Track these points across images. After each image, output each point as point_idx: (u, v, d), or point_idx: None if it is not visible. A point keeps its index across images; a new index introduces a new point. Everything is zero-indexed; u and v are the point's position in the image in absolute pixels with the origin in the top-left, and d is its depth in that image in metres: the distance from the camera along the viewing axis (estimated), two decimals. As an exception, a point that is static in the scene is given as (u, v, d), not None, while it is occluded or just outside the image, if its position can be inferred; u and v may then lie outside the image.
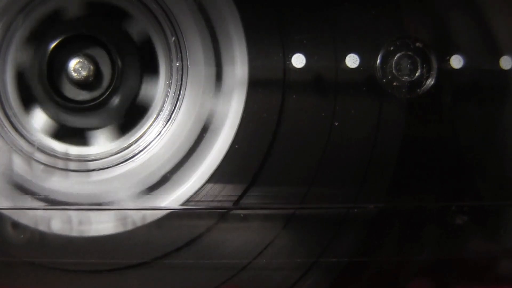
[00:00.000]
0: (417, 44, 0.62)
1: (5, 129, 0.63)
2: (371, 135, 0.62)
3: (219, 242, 0.61)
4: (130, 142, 0.64)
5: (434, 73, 0.62)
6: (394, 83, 0.62)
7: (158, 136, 0.63)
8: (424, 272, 0.63)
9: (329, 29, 0.62)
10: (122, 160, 0.63)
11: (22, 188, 0.61)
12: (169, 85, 0.63)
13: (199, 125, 0.62)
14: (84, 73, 0.63)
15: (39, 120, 0.64)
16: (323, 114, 0.62)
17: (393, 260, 0.63)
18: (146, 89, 0.64)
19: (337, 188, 0.62)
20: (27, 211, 0.61)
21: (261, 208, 0.62)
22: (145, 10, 0.64)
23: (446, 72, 0.62)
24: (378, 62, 0.62)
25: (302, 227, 0.62)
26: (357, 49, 0.62)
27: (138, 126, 0.64)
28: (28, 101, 0.64)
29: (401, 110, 0.62)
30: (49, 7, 0.64)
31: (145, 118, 0.64)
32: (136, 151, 0.63)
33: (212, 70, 0.62)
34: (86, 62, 0.63)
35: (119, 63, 0.64)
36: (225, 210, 0.61)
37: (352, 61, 0.62)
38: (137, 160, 0.63)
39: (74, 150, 0.64)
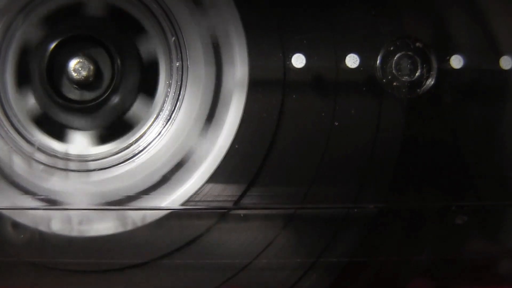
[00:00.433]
0: (417, 44, 0.62)
1: (5, 129, 0.63)
2: (371, 135, 0.62)
3: (219, 242, 0.61)
4: (130, 142, 0.64)
5: (434, 73, 0.62)
6: (394, 83, 0.62)
7: (158, 136, 0.63)
8: (424, 272, 0.63)
9: (329, 29, 0.62)
10: (122, 160, 0.63)
11: (22, 188, 0.61)
12: (169, 85, 0.63)
13: (199, 125, 0.62)
14: (84, 73, 0.63)
15: (39, 120, 0.64)
16: (323, 114, 0.62)
17: (393, 260, 0.63)
18: (146, 89, 0.64)
19: (337, 188, 0.62)
20: (27, 211, 0.61)
21: (261, 208, 0.62)
22: (145, 10, 0.64)
23: (446, 72, 0.62)
24: (378, 62, 0.62)
25: (302, 227, 0.62)
26: (357, 49, 0.62)
27: (138, 126, 0.64)
28: (28, 101, 0.64)
29: (401, 110, 0.62)
30: (49, 6, 0.64)
31: (145, 118, 0.64)
32: (136, 151, 0.63)
33: (212, 70, 0.62)
34: (86, 62, 0.63)
35: (119, 63, 0.64)
36: (225, 210, 0.61)
37: (352, 61, 0.62)
38: (137, 160, 0.63)
39: (74, 150, 0.64)
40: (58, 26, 0.64)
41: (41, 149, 0.63)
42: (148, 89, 0.64)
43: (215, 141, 0.62)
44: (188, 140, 0.62)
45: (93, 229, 0.61)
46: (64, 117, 0.64)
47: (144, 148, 0.63)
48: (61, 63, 0.63)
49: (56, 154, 0.63)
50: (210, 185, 0.62)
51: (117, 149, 0.63)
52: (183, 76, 0.63)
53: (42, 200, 0.61)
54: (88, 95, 0.64)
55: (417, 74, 0.62)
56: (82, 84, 0.64)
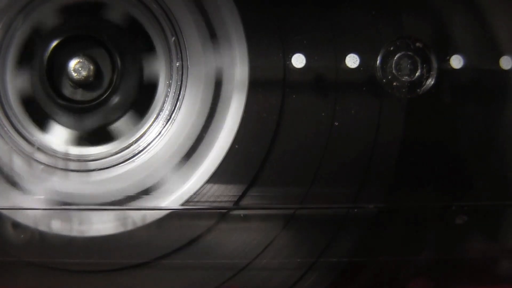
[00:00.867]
0: (417, 44, 0.62)
1: (5, 129, 0.63)
2: (371, 135, 0.62)
3: (219, 242, 0.61)
4: (130, 142, 0.64)
5: (434, 73, 0.62)
6: (394, 83, 0.62)
7: (158, 136, 0.63)
8: (424, 272, 0.63)
9: (329, 29, 0.62)
10: (122, 160, 0.63)
11: (22, 188, 0.61)
12: (169, 85, 0.63)
13: (199, 125, 0.62)
14: (84, 73, 0.63)
15: (39, 120, 0.64)
16: (323, 114, 0.62)
17: (393, 260, 0.63)
18: (146, 89, 0.64)
19: (337, 188, 0.62)
20: (27, 211, 0.61)
21: (261, 208, 0.62)
22: (145, 10, 0.64)
23: (446, 72, 0.62)
24: (378, 62, 0.62)
25: (302, 227, 0.62)
26: (357, 49, 0.62)
27: (138, 126, 0.64)
28: (28, 101, 0.64)
29: (401, 110, 0.62)
30: (49, 6, 0.64)
31: (145, 118, 0.64)
32: (136, 151, 0.63)
33: (212, 70, 0.62)
34: (86, 62, 0.63)
35: (119, 63, 0.64)
36: (225, 210, 0.61)
37: (352, 61, 0.62)
38: (137, 160, 0.63)
39: (74, 150, 0.64)
40: (59, 26, 0.64)
41: (41, 149, 0.63)
42: (148, 89, 0.64)
43: (215, 141, 0.62)
44: (188, 140, 0.62)
45: (93, 229, 0.61)
46: (63, 117, 0.64)
47: (144, 148, 0.63)
48: (61, 63, 0.63)
49: (56, 154, 0.63)
50: (210, 185, 0.62)
51: (117, 149, 0.63)
52: (183, 76, 0.63)
53: (42, 200, 0.61)
54: (88, 95, 0.64)
55: (417, 74, 0.62)
56: (82, 84, 0.64)
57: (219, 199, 0.62)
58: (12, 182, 0.62)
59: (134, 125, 0.64)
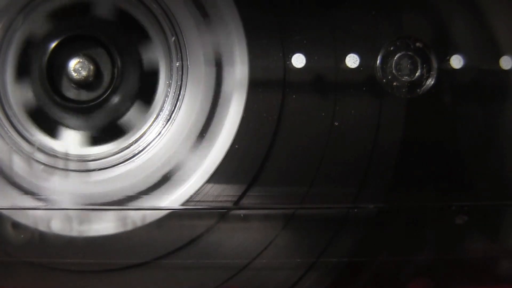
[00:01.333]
0: (417, 44, 0.62)
1: (5, 129, 0.63)
2: (371, 135, 0.62)
3: (219, 242, 0.61)
4: (130, 142, 0.64)
5: (434, 73, 0.62)
6: (394, 83, 0.62)
7: (158, 136, 0.63)
8: (424, 272, 0.63)
9: (329, 29, 0.62)
10: (122, 160, 0.63)
11: (22, 188, 0.61)
12: (169, 85, 0.63)
13: (199, 125, 0.62)
14: (84, 73, 0.63)
15: (39, 120, 0.64)
16: (323, 114, 0.62)
17: (393, 260, 0.63)
18: (146, 89, 0.64)
19: (337, 188, 0.62)
20: (27, 211, 0.61)
21: (261, 208, 0.62)
22: (145, 10, 0.64)
23: (446, 72, 0.62)
24: (378, 62, 0.62)
25: (302, 227, 0.62)
26: (357, 49, 0.62)
27: (138, 126, 0.64)
28: (28, 101, 0.64)
29: (401, 110, 0.62)
30: (49, 7, 0.64)
31: (145, 118, 0.64)
32: (136, 151, 0.63)
33: (212, 70, 0.62)
34: (86, 62, 0.63)
35: (119, 63, 0.64)
36: (225, 210, 0.61)
37: (352, 61, 0.62)
38: (137, 160, 0.63)
39: (74, 150, 0.64)
40: (59, 26, 0.64)
41: (41, 149, 0.63)
42: (148, 89, 0.64)
43: (215, 141, 0.62)
44: (188, 140, 0.62)
45: (93, 229, 0.61)
46: (63, 116, 0.64)
47: (144, 148, 0.63)
48: (61, 63, 0.63)
49: (56, 154, 0.63)
50: (210, 185, 0.62)
51: (117, 149, 0.63)
52: (183, 76, 0.63)
53: (42, 200, 0.61)
54: (87, 95, 0.64)
55: (417, 74, 0.62)
56: (82, 84, 0.64)
57: (219, 199, 0.62)
58: (12, 182, 0.62)
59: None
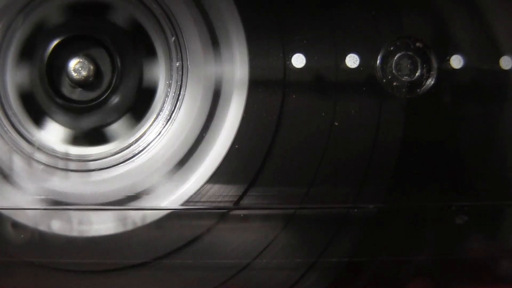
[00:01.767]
0: (417, 44, 0.62)
1: (5, 129, 0.63)
2: (371, 135, 0.62)
3: (219, 242, 0.61)
4: (130, 142, 0.64)
5: (434, 73, 0.62)
6: (394, 83, 0.62)
7: (158, 136, 0.63)
8: (424, 272, 0.63)
9: (329, 29, 0.62)
10: (122, 160, 0.63)
11: (22, 188, 0.61)
12: (169, 85, 0.63)
13: (199, 125, 0.62)
14: (84, 73, 0.63)
15: (39, 120, 0.64)
16: (323, 114, 0.62)
17: (393, 260, 0.63)
18: (146, 89, 0.64)
19: (337, 188, 0.62)
20: (27, 211, 0.61)
21: (261, 208, 0.62)
22: (145, 10, 0.64)
23: (446, 72, 0.62)
24: (378, 62, 0.62)
25: (302, 227, 0.62)
26: (357, 49, 0.62)
27: (138, 126, 0.64)
28: (28, 101, 0.64)
29: (401, 110, 0.62)
30: (49, 6, 0.64)
31: (145, 118, 0.64)
32: (136, 151, 0.63)
33: (212, 70, 0.62)
34: (86, 62, 0.63)
35: (119, 63, 0.64)
36: (225, 210, 0.61)
37: (352, 61, 0.62)
38: (137, 160, 0.63)
39: (74, 150, 0.63)
40: (59, 26, 0.64)
41: (41, 149, 0.63)
42: (148, 89, 0.64)
43: (215, 141, 0.62)
44: (188, 140, 0.62)
45: (93, 229, 0.61)
46: (63, 117, 0.64)
47: (144, 148, 0.63)
48: (61, 63, 0.63)
49: (56, 154, 0.63)
50: (210, 185, 0.62)
51: (117, 149, 0.63)
52: (183, 76, 0.63)
53: (42, 200, 0.61)
54: (88, 95, 0.64)
55: (417, 74, 0.62)
56: (82, 84, 0.64)
57: (219, 199, 0.62)
58: (12, 182, 0.62)
59: (132, 126, 0.64)
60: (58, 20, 0.64)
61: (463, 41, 0.63)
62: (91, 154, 0.63)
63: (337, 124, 0.62)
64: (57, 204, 0.61)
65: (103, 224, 0.61)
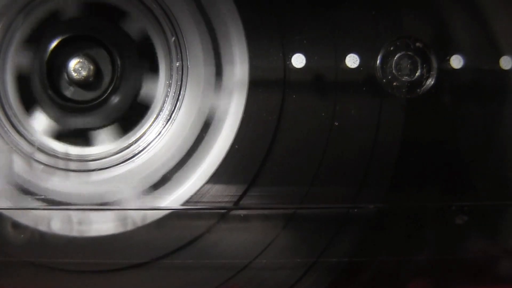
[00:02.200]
0: (417, 44, 0.62)
1: (5, 129, 0.63)
2: (371, 135, 0.62)
3: (220, 242, 0.61)
4: (130, 142, 0.64)
5: (434, 73, 0.62)
6: (394, 83, 0.62)
7: (158, 136, 0.63)
8: (424, 272, 0.63)
9: (329, 29, 0.62)
10: (122, 160, 0.63)
11: (22, 188, 0.61)
12: (169, 85, 0.63)
13: (199, 125, 0.62)
14: (84, 73, 0.63)
15: (39, 120, 0.64)
16: (323, 114, 0.62)
17: (393, 260, 0.63)
18: (146, 89, 0.64)
19: (337, 188, 0.62)
20: (27, 211, 0.61)
21: (261, 208, 0.62)
22: (145, 10, 0.64)
23: (446, 72, 0.62)
24: (378, 62, 0.62)
25: (302, 227, 0.62)
26: (357, 49, 0.62)
27: (138, 126, 0.64)
28: (28, 101, 0.64)
29: (401, 110, 0.62)
30: (49, 7, 0.64)
31: (145, 118, 0.64)
32: (136, 151, 0.63)
33: (212, 70, 0.62)
34: (86, 62, 0.63)
35: (119, 63, 0.64)
36: (226, 210, 0.61)
37: (352, 61, 0.62)
38: (137, 160, 0.63)
39: (74, 150, 0.64)
40: (59, 26, 0.64)
41: (41, 149, 0.63)
42: (148, 89, 0.64)
43: (215, 141, 0.62)
44: (188, 140, 0.62)
45: (93, 229, 0.61)
46: (63, 117, 0.64)
47: (144, 148, 0.63)
48: (61, 63, 0.63)
49: (56, 154, 0.63)
50: (210, 185, 0.62)
51: (117, 149, 0.63)
52: (183, 76, 0.63)
53: (42, 200, 0.61)
54: (88, 95, 0.64)
55: (417, 74, 0.62)
56: (82, 84, 0.64)
57: (219, 199, 0.62)
58: (12, 182, 0.62)
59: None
60: (57, 19, 0.64)
61: (463, 41, 0.63)
62: (91, 154, 0.63)
63: (337, 124, 0.62)
64: (57, 204, 0.61)
65: (103, 224, 0.61)
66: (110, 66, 0.64)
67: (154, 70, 0.64)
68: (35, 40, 0.64)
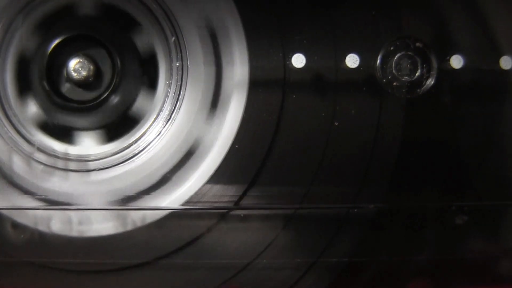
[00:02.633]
0: (417, 44, 0.62)
1: (5, 129, 0.63)
2: (371, 135, 0.62)
3: (220, 242, 0.61)
4: (130, 142, 0.64)
5: (434, 73, 0.62)
6: (394, 83, 0.62)
7: (158, 136, 0.63)
8: (424, 272, 0.63)
9: (329, 29, 0.62)
10: (122, 160, 0.63)
11: (22, 188, 0.61)
12: (169, 85, 0.63)
13: (198, 125, 0.62)
14: (84, 73, 0.63)
15: (39, 120, 0.64)
16: (323, 114, 0.62)
17: (393, 260, 0.63)
18: (146, 89, 0.64)
19: (337, 188, 0.62)
20: (27, 211, 0.61)
21: (261, 208, 0.62)
22: (145, 10, 0.63)
23: (446, 72, 0.62)
24: (378, 62, 0.62)
25: (302, 227, 0.62)
26: (357, 49, 0.62)
27: (138, 126, 0.64)
28: (28, 101, 0.64)
29: (401, 110, 0.62)
30: (48, 7, 0.64)
31: (145, 118, 0.64)
32: (136, 151, 0.63)
33: (212, 70, 0.62)
34: (86, 62, 0.63)
35: (119, 63, 0.64)
36: (225, 210, 0.61)
37: (352, 61, 0.62)
38: (137, 160, 0.63)
39: (74, 150, 0.63)
40: (58, 26, 0.64)
41: (41, 149, 0.63)
42: (148, 89, 0.64)
43: (215, 141, 0.62)
44: (188, 140, 0.62)
45: (93, 229, 0.61)
46: (63, 117, 0.64)
47: (144, 148, 0.63)
48: (61, 63, 0.63)
49: (56, 154, 0.63)
50: (210, 185, 0.62)
51: (117, 149, 0.63)
52: (183, 76, 0.63)
53: (42, 200, 0.61)
54: (88, 95, 0.64)
55: (417, 74, 0.62)
56: (82, 84, 0.64)
57: (219, 199, 0.62)
58: (12, 182, 0.62)
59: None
60: (57, 20, 0.64)
61: (463, 41, 0.63)
62: (91, 154, 0.63)
63: (337, 124, 0.62)
64: (57, 204, 0.61)
65: (103, 224, 0.61)
66: (110, 66, 0.64)
67: (154, 70, 0.64)
68: (35, 40, 0.64)
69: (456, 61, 0.62)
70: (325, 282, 0.63)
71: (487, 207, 0.63)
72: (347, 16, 0.62)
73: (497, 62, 0.62)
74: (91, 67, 0.63)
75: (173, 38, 0.63)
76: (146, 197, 0.62)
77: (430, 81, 0.62)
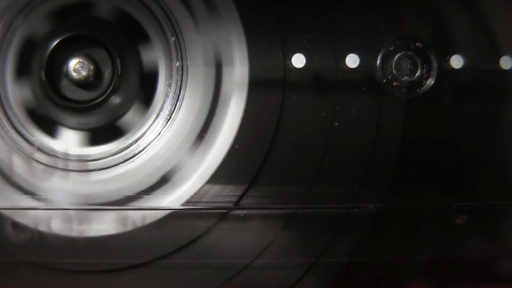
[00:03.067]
0: (417, 44, 0.62)
1: (5, 129, 0.63)
2: (371, 135, 0.62)
3: (220, 242, 0.61)
4: (130, 142, 0.64)
5: (434, 73, 0.62)
6: (394, 83, 0.62)
7: (158, 136, 0.63)
8: (424, 272, 0.63)
9: (329, 29, 0.62)
10: (122, 160, 0.63)
11: (22, 188, 0.61)
12: (169, 85, 0.63)
13: (199, 125, 0.62)
14: (84, 73, 0.63)
15: (39, 120, 0.64)
16: (323, 114, 0.62)
17: (393, 260, 0.63)
18: (146, 89, 0.64)
19: (337, 188, 0.62)
20: (27, 211, 0.61)
21: (261, 208, 0.62)
22: (145, 10, 0.64)
23: (446, 72, 0.62)
24: (378, 62, 0.62)
25: (302, 227, 0.62)
26: (357, 49, 0.62)
27: (138, 126, 0.64)
28: (28, 101, 0.64)
29: (401, 110, 0.62)
30: (47, 7, 0.64)
31: (145, 118, 0.64)
32: (136, 151, 0.63)
33: (212, 70, 0.62)
34: (86, 62, 0.63)
35: (119, 63, 0.64)
36: (226, 210, 0.61)
37: (352, 61, 0.62)
38: (137, 160, 0.63)
39: (74, 150, 0.63)
40: (58, 26, 0.64)
41: (41, 149, 0.63)
42: (148, 89, 0.64)
43: (215, 141, 0.62)
44: (188, 140, 0.62)
45: (93, 229, 0.61)
46: (63, 117, 0.64)
47: (144, 148, 0.63)
48: (61, 63, 0.63)
49: (56, 154, 0.63)
50: (210, 185, 0.62)
51: (117, 149, 0.63)
52: (183, 76, 0.63)
53: (42, 200, 0.61)
54: (87, 95, 0.64)
55: (417, 74, 0.62)
56: (82, 84, 0.64)
57: (219, 199, 0.62)
58: (12, 182, 0.62)
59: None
60: (57, 20, 0.64)
61: (463, 41, 0.63)
62: (91, 154, 0.63)
63: (337, 124, 0.62)
64: (57, 204, 0.61)
65: (103, 224, 0.61)
66: (110, 66, 0.64)
67: (154, 70, 0.64)
68: (35, 40, 0.64)
69: (456, 61, 0.62)
70: (325, 282, 0.63)
71: (487, 207, 0.63)
72: (347, 16, 0.62)
73: (497, 62, 0.62)
74: (91, 67, 0.63)
75: (173, 38, 0.63)
76: (146, 197, 0.62)
77: (430, 81, 0.62)
